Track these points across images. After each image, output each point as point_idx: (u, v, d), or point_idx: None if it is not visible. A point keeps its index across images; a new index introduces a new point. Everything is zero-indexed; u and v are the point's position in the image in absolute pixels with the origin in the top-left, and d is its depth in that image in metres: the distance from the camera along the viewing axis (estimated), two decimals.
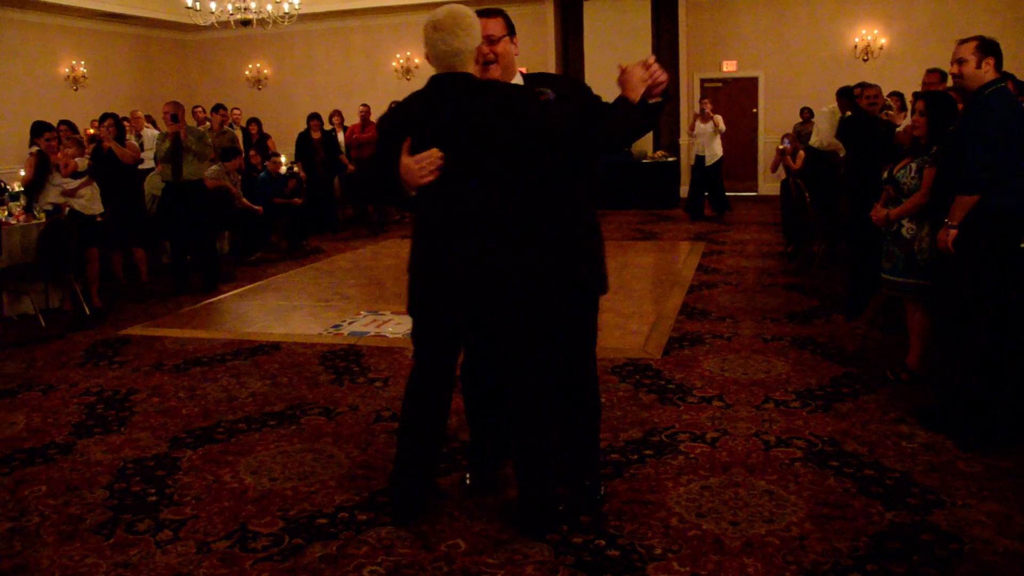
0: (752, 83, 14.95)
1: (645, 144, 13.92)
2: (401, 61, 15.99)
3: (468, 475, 3.60)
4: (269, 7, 11.98)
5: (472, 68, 2.98)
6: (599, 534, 3.15)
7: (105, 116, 8.39)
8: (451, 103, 2.91)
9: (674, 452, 3.88)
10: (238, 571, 2.97)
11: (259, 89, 17.11)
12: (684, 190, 13.53)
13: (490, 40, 3.07)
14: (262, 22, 12.22)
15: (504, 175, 2.94)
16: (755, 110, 15.02)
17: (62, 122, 9.66)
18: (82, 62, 14.78)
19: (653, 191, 13.57)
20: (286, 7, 12.06)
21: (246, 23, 12.26)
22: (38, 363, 5.74)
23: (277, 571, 2.97)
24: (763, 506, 3.33)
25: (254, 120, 12.49)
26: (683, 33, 14.61)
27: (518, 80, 3.20)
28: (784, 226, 9.42)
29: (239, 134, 12.01)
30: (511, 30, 3.17)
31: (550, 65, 15.07)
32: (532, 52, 15.42)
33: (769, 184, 14.02)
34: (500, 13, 3.17)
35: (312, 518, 3.35)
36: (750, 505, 3.34)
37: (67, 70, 14.65)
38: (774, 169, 11.06)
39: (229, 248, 10.15)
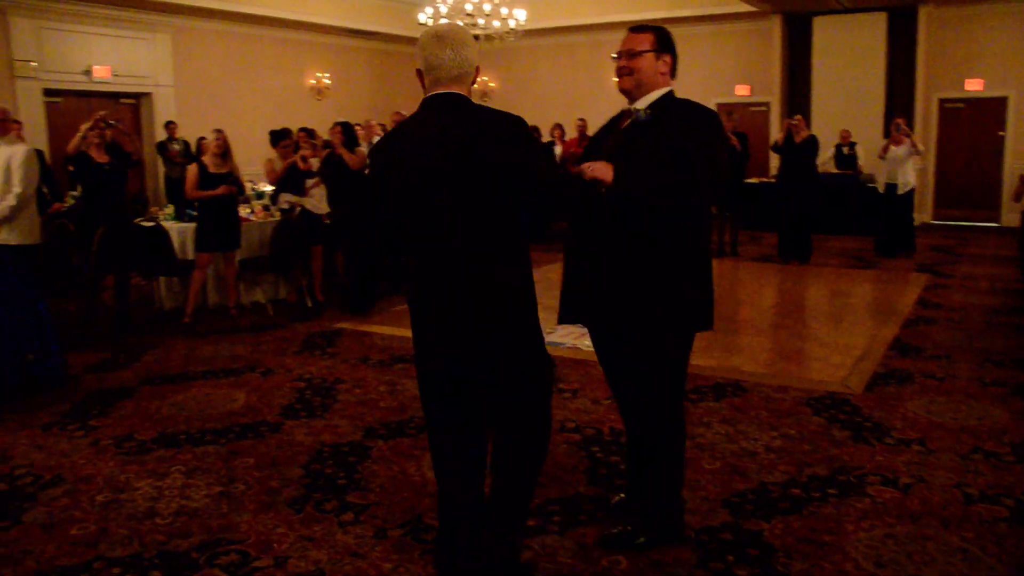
0: (1000, 103, 13.82)
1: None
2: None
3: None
4: (496, 23, 12.43)
5: (468, 89, 2.74)
6: (765, 569, 3.07)
7: (337, 123, 9.03)
8: (436, 136, 2.62)
9: (860, 494, 3.69)
10: (407, 559, 3.14)
11: (484, 101, 17.76)
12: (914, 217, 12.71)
13: (629, 54, 3.04)
14: (488, 38, 12.69)
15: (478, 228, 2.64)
16: (1001, 133, 13.88)
17: (302, 129, 10.46)
18: (326, 74, 15.98)
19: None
20: (512, 23, 12.45)
21: (475, 39, 12.78)
22: (262, 348, 6.29)
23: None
24: (954, 565, 3.11)
25: None
26: (921, 50, 13.74)
27: (651, 98, 3.04)
28: (1022, 261, 8.67)
29: None
30: (662, 47, 3.07)
31: (774, 83, 14.64)
32: (755, 69, 15.08)
33: (1012, 214, 12.90)
34: (652, 30, 3.10)
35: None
36: (938, 561, 3.13)
37: (313, 81, 15.89)
38: (1017, 198, 10.17)
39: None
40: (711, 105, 12.73)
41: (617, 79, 3.10)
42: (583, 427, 4.54)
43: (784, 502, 3.62)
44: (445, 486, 2.88)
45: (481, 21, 12.34)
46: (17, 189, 5.70)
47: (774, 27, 14.62)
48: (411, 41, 16.80)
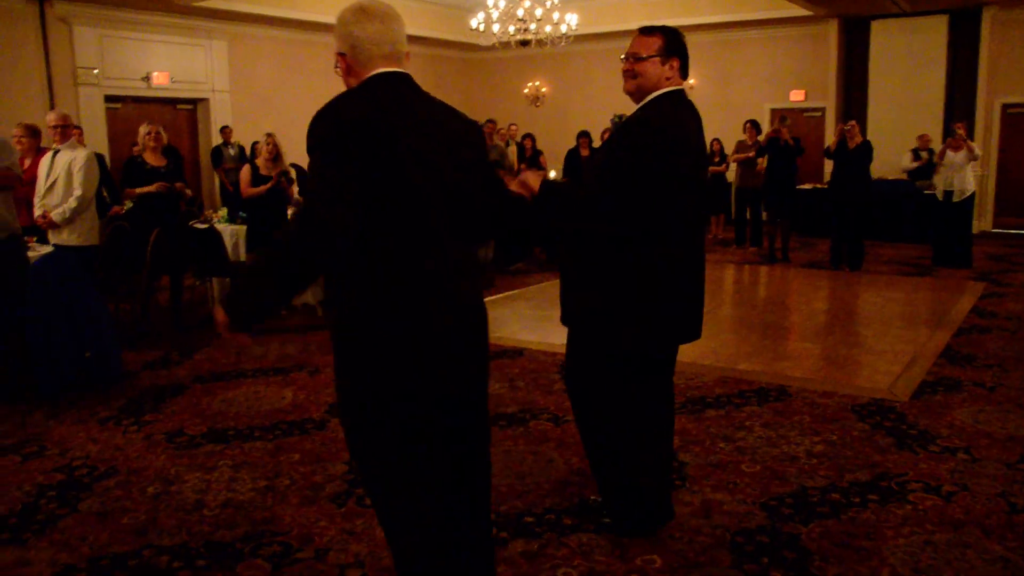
0: None
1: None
2: None
3: None
4: (548, 28, 12.49)
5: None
6: (800, 572, 3.07)
7: None
8: (414, 115, 2.26)
9: (901, 501, 3.66)
10: None
11: (537, 106, 17.81)
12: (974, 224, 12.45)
13: (634, 57, 3.04)
14: (540, 42, 12.76)
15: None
16: None
17: None
18: None
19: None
20: (563, 28, 12.50)
21: (525, 43, 12.85)
22: (311, 347, 6.42)
23: None
24: (994, 573, 3.08)
25: (528, 136, 13.07)
26: (984, 53, 13.42)
27: (644, 103, 3.03)
28: None
29: (514, 149, 12.65)
30: (670, 51, 3.03)
31: (830, 88, 14.46)
32: (811, 74, 14.91)
33: None
34: (661, 33, 3.07)
35: (520, 515, 3.53)
36: (977, 569, 3.10)
37: None
38: None
39: (493, 256, 10.69)
40: (764, 110, 12.75)
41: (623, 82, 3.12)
42: None
43: (823, 506, 3.61)
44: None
45: (533, 27, 12.40)
46: (78, 192, 5.91)
47: (830, 31, 14.43)
48: (462, 46, 17.06)
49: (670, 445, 3.49)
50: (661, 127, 2.94)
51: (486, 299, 2.57)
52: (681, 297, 3.09)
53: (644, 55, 3.03)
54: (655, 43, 3.04)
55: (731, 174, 12.61)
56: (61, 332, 5.20)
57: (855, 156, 9.87)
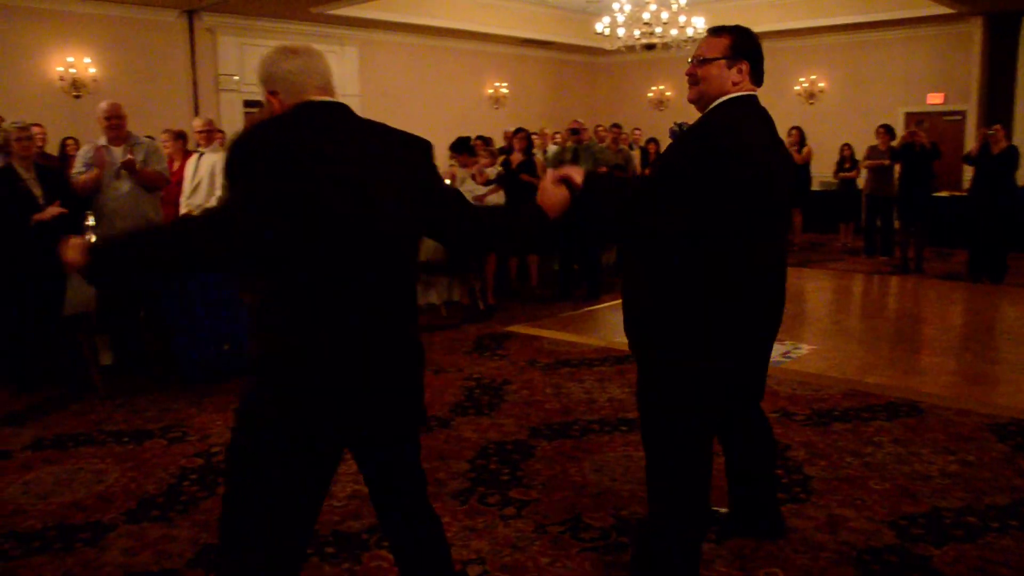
0: None
1: None
2: (806, 85, 15.62)
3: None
4: (673, 32, 12.39)
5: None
6: None
7: (518, 130, 9.29)
8: (341, 141, 2.15)
9: None
10: (564, 555, 3.24)
11: (660, 110, 17.67)
12: None
13: (698, 60, 2.76)
14: (665, 46, 12.66)
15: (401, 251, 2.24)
16: None
17: (479, 137, 10.80)
18: (504, 83, 16.40)
19: None
20: (690, 31, 12.37)
21: (650, 47, 12.79)
22: (435, 347, 6.56)
23: (599, 562, 3.19)
24: None
25: (652, 140, 12.99)
26: None
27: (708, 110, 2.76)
28: None
29: (638, 154, 12.58)
30: (737, 54, 2.72)
31: (971, 90, 13.80)
32: (951, 75, 14.28)
33: None
34: (730, 33, 2.77)
35: (641, 521, 3.52)
36: None
37: (491, 91, 16.35)
38: None
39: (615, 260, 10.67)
40: (898, 115, 12.24)
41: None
42: None
43: (958, 529, 3.47)
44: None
45: (658, 30, 12.33)
46: (220, 192, 6.23)
47: (974, 30, 13.76)
48: (587, 51, 17.10)
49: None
50: (718, 134, 2.62)
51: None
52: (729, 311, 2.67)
53: (709, 57, 2.74)
54: (722, 44, 2.74)
55: (861, 180, 12.20)
56: (202, 325, 5.49)
57: (999, 162, 9.40)
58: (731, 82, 2.72)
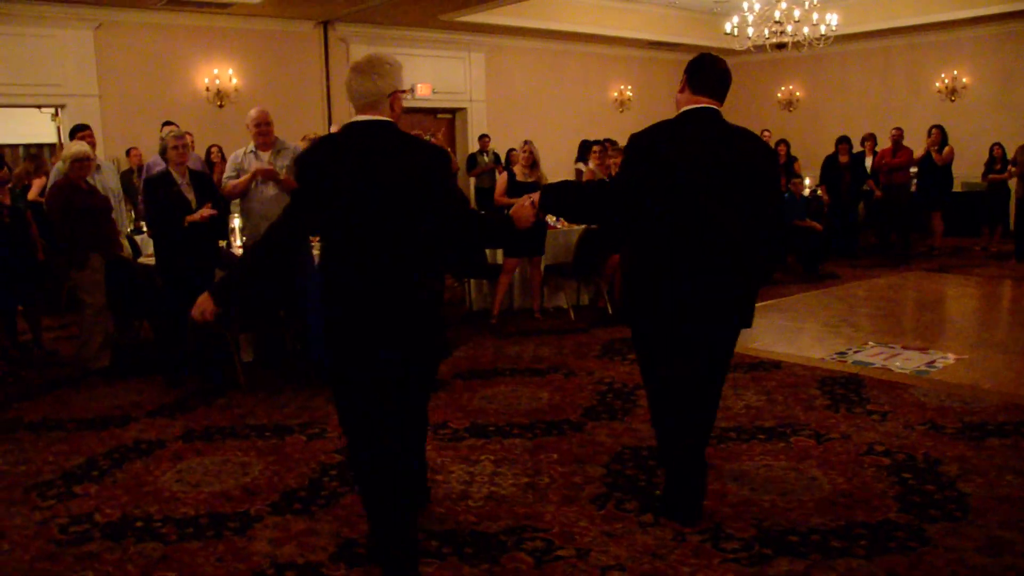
0: None
1: None
2: (947, 81, 14.88)
3: None
4: (805, 30, 12.00)
5: (388, 114, 2.95)
6: None
7: None
8: (362, 155, 2.89)
9: None
10: (705, 564, 3.16)
11: (789, 111, 17.18)
12: None
13: None
14: (797, 45, 12.29)
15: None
16: None
17: (606, 140, 10.74)
18: (629, 86, 16.27)
19: None
20: (823, 29, 11.97)
21: (781, 46, 12.43)
22: (565, 350, 6.55)
23: (743, 573, 3.10)
24: None
25: (782, 142, 12.63)
26: None
27: None
28: None
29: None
30: (683, 76, 3.54)
31: None
32: None
33: None
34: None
35: (784, 533, 3.40)
36: None
37: (616, 94, 16.24)
38: None
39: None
40: None
41: None
42: (893, 452, 4.29)
43: None
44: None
45: (789, 28, 11.97)
46: None
47: None
48: (714, 51, 16.70)
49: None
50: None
51: None
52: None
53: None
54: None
55: (1013, 182, 11.55)
56: None
57: None
58: (680, 95, 3.55)
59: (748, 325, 3.57)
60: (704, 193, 3.34)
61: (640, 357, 3.77)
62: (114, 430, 4.89)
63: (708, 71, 3.47)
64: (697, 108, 3.45)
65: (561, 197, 3.59)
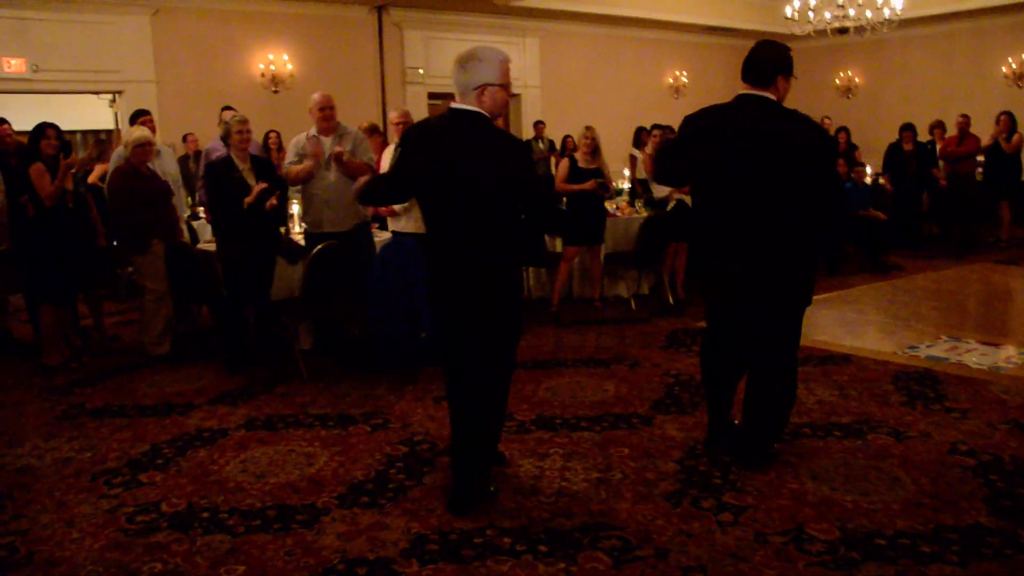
0: None
1: None
2: (1014, 66, 14.41)
3: None
4: (869, 14, 11.68)
5: (475, 104, 3.31)
6: None
7: None
8: (448, 138, 3.35)
9: None
10: (790, 568, 3.03)
11: (848, 98, 16.79)
12: None
13: None
14: (859, 29, 11.97)
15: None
16: None
17: (656, 126, 10.53)
18: (684, 72, 16.01)
19: None
20: (887, 13, 11.63)
21: (843, 31, 12.12)
22: (627, 340, 6.42)
23: None
24: None
25: (843, 129, 12.31)
26: None
27: None
28: None
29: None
30: None
31: None
32: None
33: None
34: None
35: (870, 536, 3.26)
36: None
37: (671, 79, 16.00)
38: None
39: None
40: None
41: None
42: (978, 452, 4.11)
43: None
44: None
45: (852, 12, 11.66)
46: None
47: None
48: (772, 37, 16.38)
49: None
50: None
51: None
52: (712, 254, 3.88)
53: None
54: None
55: None
56: (399, 313, 5.57)
57: None
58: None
59: (808, 303, 3.84)
60: (740, 174, 3.61)
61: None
62: (176, 417, 4.88)
63: (747, 59, 3.78)
64: (740, 95, 3.77)
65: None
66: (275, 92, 11.77)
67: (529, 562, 3.11)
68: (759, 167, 3.58)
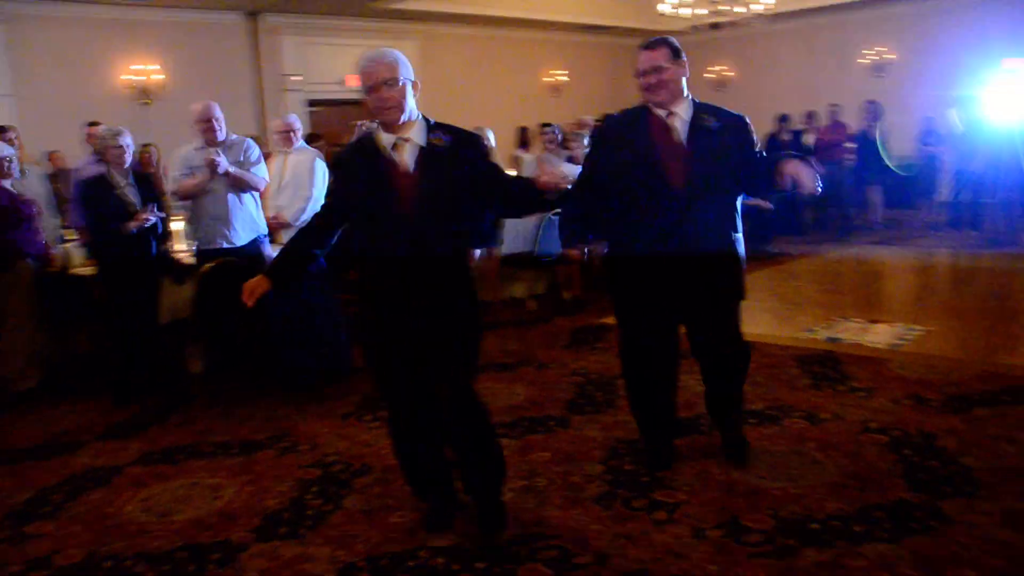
0: None
1: None
2: (873, 57, 15.09)
3: None
4: (740, 9, 12.00)
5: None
6: None
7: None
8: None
9: None
10: (733, 562, 3.00)
11: (719, 91, 17.22)
12: None
13: (654, 70, 3.52)
14: (732, 24, 12.29)
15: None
16: None
17: (545, 125, 10.51)
18: (563, 71, 16.13)
19: None
20: (758, 7, 11.97)
21: (716, 26, 12.42)
22: (531, 342, 6.34)
23: (773, 568, 2.95)
24: None
25: None
26: None
27: (686, 105, 3.61)
28: None
29: None
30: (676, 56, 3.57)
31: None
32: None
33: None
34: (663, 43, 3.55)
35: (803, 521, 3.27)
36: None
37: (550, 79, 16.08)
38: None
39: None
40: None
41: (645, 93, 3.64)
42: (888, 429, 4.20)
43: None
44: None
45: (726, 8, 11.96)
46: (307, 192, 6.05)
47: None
48: (647, 33, 16.58)
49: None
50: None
51: None
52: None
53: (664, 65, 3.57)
54: (665, 53, 3.58)
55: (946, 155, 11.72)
56: (300, 328, 5.33)
57: None
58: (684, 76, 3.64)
59: (742, 297, 3.84)
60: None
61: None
62: (62, 458, 4.47)
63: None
64: None
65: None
66: (146, 104, 11.21)
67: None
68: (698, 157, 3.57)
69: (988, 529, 3.16)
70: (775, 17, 13.85)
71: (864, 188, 12.03)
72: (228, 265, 5.19)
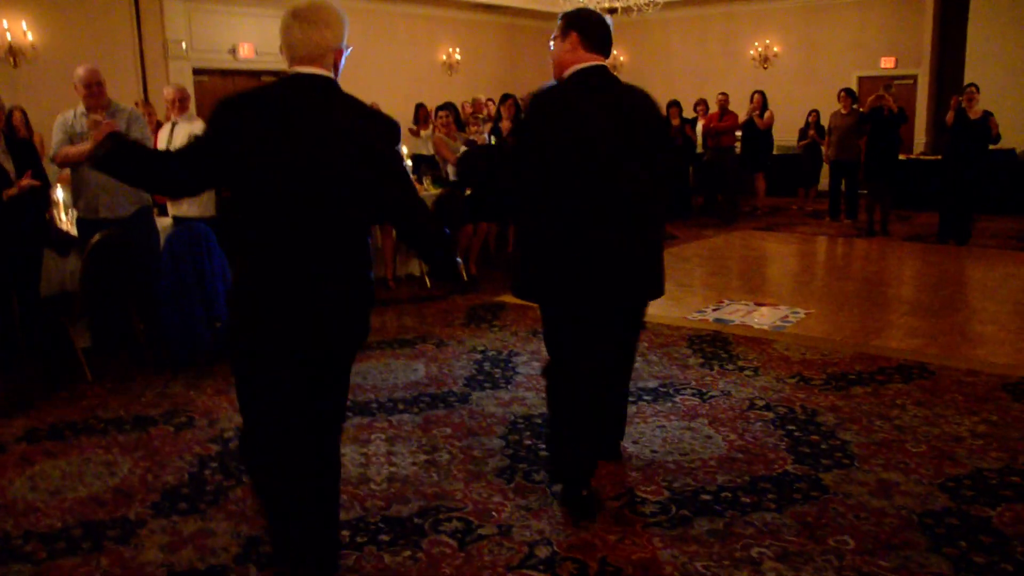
0: None
1: None
2: (760, 50, 15.63)
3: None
4: None
5: (331, 71, 2.56)
6: (1004, 557, 2.93)
7: (506, 97, 9.12)
8: (303, 114, 2.47)
9: None
10: (630, 531, 3.12)
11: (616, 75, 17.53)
12: None
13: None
14: (627, 10, 12.51)
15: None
16: None
17: (442, 107, 10.49)
18: (457, 49, 16.07)
19: None
20: None
21: (612, 11, 12.62)
22: (428, 319, 6.37)
23: (667, 537, 3.08)
24: None
25: None
26: None
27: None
28: None
29: None
30: (566, 29, 3.25)
31: (923, 54, 13.98)
32: (902, 39, 14.41)
33: None
34: (562, 16, 3.30)
35: (696, 493, 3.43)
36: None
37: (444, 57, 16.00)
38: None
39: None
40: (851, 79, 12.29)
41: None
42: (774, 406, 4.43)
43: (1005, 489, 3.45)
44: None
45: None
46: None
47: None
48: (539, 15, 16.82)
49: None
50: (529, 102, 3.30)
51: None
52: (564, 261, 3.18)
53: (552, 38, 3.31)
54: (559, 26, 3.29)
55: (825, 146, 12.27)
56: (193, 302, 5.21)
57: (978, 127, 9.43)
58: (565, 52, 3.24)
59: (661, 293, 3.46)
60: (612, 155, 3.16)
61: (553, 334, 3.37)
62: None
63: (600, 27, 3.26)
64: (596, 66, 3.23)
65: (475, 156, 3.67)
66: (14, 65, 10.61)
67: (373, 553, 3.00)
68: (630, 144, 3.22)
69: (863, 498, 3.38)
70: (667, 5, 14.18)
71: (750, 175, 12.51)
72: (115, 238, 5.01)
